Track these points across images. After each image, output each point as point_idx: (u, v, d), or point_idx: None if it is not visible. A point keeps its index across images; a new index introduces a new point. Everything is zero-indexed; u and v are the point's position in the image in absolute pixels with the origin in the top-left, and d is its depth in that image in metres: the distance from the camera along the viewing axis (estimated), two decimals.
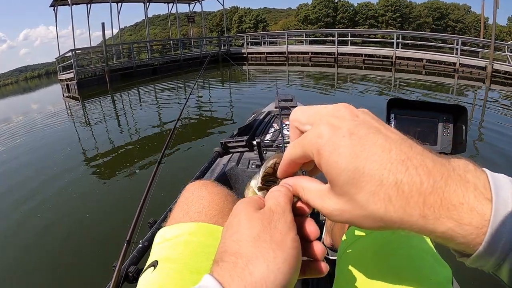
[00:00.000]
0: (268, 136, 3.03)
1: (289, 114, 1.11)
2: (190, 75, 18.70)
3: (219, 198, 0.88)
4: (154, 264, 0.73)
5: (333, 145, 0.36)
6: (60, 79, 19.29)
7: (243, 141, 2.04)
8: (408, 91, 10.86)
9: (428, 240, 0.71)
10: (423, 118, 1.12)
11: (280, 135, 2.85)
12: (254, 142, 1.95)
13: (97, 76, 17.90)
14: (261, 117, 3.57)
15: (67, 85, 17.57)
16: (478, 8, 70.20)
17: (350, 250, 0.74)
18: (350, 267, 0.69)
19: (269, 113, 3.74)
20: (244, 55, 23.47)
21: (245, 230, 0.40)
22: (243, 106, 8.76)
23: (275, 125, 3.36)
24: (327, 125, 0.38)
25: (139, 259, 1.39)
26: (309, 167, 0.48)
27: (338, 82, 13.76)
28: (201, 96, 11.65)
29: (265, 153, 2.38)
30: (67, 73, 18.00)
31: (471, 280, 2.12)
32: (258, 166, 2.20)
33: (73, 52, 17.23)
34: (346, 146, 0.35)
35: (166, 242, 0.78)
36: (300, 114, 0.46)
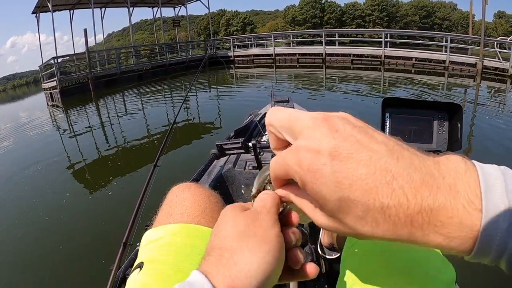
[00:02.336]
0: (264, 138, 2.94)
1: None
2: (177, 80, 18.64)
3: (201, 199, 0.89)
4: (140, 265, 0.75)
5: (314, 175, 0.35)
6: (44, 88, 18.94)
7: (238, 143, 2.00)
8: (398, 90, 10.71)
9: None
10: (419, 117, 1.10)
11: None
12: (250, 144, 1.91)
13: (80, 83, 17.54)
14: (257, 119, 3.46)
15: (51, 93, 17.26)
16: (464, 6, 70.54)
17: (356, 249, 0.76)
18: (356, 265, 0.71)
19: (265, 114, 3.51)
20: (231, 58, 23.23)
21: (230, 228, 0.43)
22: (239, 108, 8.75)
23: None
24: (305, 151, 0.36)
25: None
26: None
27: (328, 83, 13.58)
28: (189, 100, 11.46)
29: (262, 155, 2.33)
30: (50, 82, 17.64)
31: (474, 284, 2.19)
32: (255, 168, 2.24)
33: (55, 59, 16.85)
34: (328, 175, 0.34)
35: (150, 244, 0.80)
36: (274, 118, 0.44)
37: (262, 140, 2.82)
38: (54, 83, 16.70)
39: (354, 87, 11.73)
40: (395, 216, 0.32)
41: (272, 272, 0.39)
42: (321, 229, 1.52)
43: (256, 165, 2.05)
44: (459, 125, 1.05)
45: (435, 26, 61.60)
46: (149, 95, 14.64)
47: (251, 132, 3.18)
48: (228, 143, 2.10)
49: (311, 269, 0.44)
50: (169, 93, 14.84)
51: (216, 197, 0.97)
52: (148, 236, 0.84)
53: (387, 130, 1.13)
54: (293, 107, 3.44)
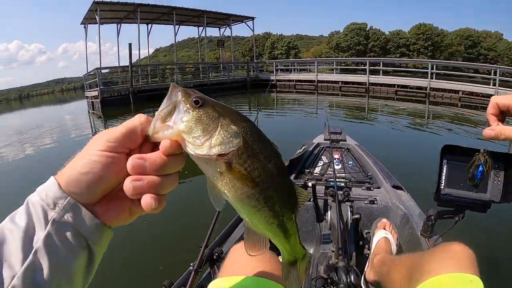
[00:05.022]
0: (317, 169, 3.10)
1: (339, 148, 3.58)
2: (217, 100, 18.39)
3: (265, 261, 0.95)
4: None
5: None
6: (87, 96, 19.54)
7: (299, 185, 1.97)
8: (443, 125, 10.11)
9: None
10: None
11: (330, 169, 2.99)
12: (310, 184, 2.04)
13: (121, 96, 17.82)
14: (310, 149, 3.57)
15: (92, 102, 17.74)
16: (511, 36, 67.78)
17: None
18: None
19: (318, 145, 3.74)
20: (273, 82, 22.97)
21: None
22: (288, 135, 8.76)
23: (324, 157, 3.41)
24: None
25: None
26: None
27: (374, 114, 13.07)
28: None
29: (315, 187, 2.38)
30: (93, 91, 18.06)
31: None
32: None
33: (98, 70, 17.26)
34: None
35: None
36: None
37: (315, 171, 3.04)
38: (96, 93, 17.09)
39: (402, 120, 11.32)
40: None
41: (93, 175, 0.47)
42: (367, 263, 1.72)
43: (315, 209, 1.99)
44: None
45: (480, 56, 59.43)
46: None
47: (304, 162, 3.26)
48: None
49: (146, 201, 0.48)
50: None
51: (276, 260, 1.00)
52: (216, 285, 0.91)
53: (444, 176, 1.12)
54: (346, 140, 3.83)
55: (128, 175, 0.49)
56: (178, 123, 0.48)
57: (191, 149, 0.48)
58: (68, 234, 0.47)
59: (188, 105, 0.49)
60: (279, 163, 0.53)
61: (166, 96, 0.51)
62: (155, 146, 0.51)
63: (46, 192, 0.48)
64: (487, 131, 0.83)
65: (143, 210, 0.51)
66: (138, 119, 0.51)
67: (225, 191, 0.50)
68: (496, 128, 0.82)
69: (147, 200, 0.48)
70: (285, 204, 0.54)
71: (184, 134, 0.48)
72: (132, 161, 0.48)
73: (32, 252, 0.44)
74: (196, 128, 0.48)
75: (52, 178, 0.49)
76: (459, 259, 0.96)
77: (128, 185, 0.48)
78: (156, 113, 0.50)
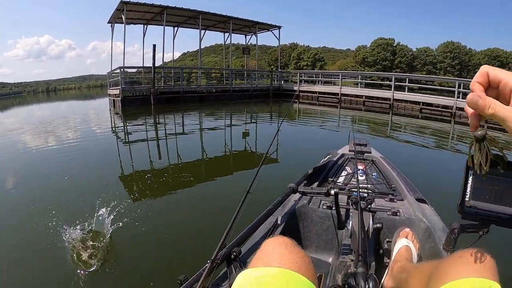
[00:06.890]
0: (340, 179, 3.11)
1: (363, 159, 3.55)
2: (238, 107, 18.77)
3: (298, 258, 0.95)
4: None
5: None
6: (109, 94, 19.86)
7: (322, 193, 2.07)
8: (468, 144, 9.62)
9: None
10: (504, 178, 1.00)
11: (353, 179, 3.03)
12: (332, 192, 1.96)
13: (142, 96, 17.92)
14: (335, 159, 3.60)
15: (114, 100, 17.97)
16: None
17: None
18: None
19: (343, 155, 3.78)
20: (296, 93, 22.84)
21: None
22: (311, 144, 9.03)
23: (348, 168, 3.44)
24: None
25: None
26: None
27: (399, 131, 12.61)
28: (255, 130, 11.43)
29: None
30: (115, 89, 18.26)
31: None
32: (330, 208, 2.36)
33: (121, 69, 17.39)
34: None
35: (248, 280, 0.88)
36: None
37: (338, 181, 3.02)
38: (117, 91, 17.28)
39: (427, 137, 11.01)
40: None
41: None
42: (387, 271, 1.74)
43: (330, 205, 2.31)
44: None
45: None
46: (208, 118, 14.82)
47: (328, 171, 3.27)
48: (314, 191, 2.19)
49: None
50: (229, 118, 14.79)
51: (308, 258, 1.00)
52: (248, 273, 0.91)
53: (469, 188, 1.04)
54: (371, 152, 3.83)
55: None
56: None
57: None
58: None
59: None
60: None
61: None
62: None
63: None
64: (474, 97, 0.66)
65: None
66: None
67: None
68: (486, 98, 0.65)
69: None
70: None
71: None
72: None
73: None
74: None
75: None
76: (479, 264, 0.95)
77: None
78: None
